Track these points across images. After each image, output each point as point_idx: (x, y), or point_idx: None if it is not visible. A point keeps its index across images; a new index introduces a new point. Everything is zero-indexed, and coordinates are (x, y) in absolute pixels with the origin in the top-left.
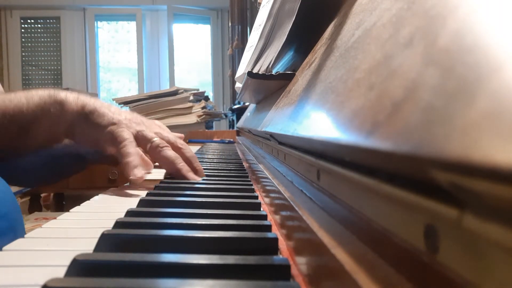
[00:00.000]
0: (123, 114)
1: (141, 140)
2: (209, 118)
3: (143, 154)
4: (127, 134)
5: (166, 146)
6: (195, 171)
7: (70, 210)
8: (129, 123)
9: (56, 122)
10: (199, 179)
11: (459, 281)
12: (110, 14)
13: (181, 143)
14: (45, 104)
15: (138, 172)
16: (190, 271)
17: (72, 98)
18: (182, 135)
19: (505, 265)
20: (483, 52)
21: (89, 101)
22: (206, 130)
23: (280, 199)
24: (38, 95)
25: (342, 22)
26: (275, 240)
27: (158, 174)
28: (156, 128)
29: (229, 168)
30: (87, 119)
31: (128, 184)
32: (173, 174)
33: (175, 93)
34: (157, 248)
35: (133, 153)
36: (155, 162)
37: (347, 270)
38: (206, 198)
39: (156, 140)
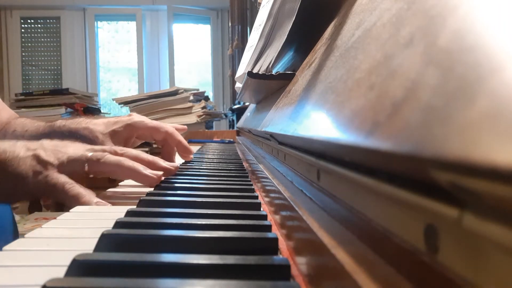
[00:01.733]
0: (35, 149)
1: (73, 165)
2: (209, 118)
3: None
4: (60, 178)
5: (103, 155)
6: (154, 167)
7: (70, 210)
8: (50, 158)
9: None
10: (160, 175)
11: (459, 281)
12: (110, 14)
13: (120, 148)
14: None
15: (99, 202)
16: (190, 271)
17: None
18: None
19: (505, 265)
20: (483, 52)
21: None
22: (206, 130)
23: (280, 199)
24: None
25: (342, 22)
26: (275, 240)
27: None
28: (79, 146)
29: (229, 168)
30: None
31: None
32: (130, 177)
33: (175, 93)
34: (157, 248)
35: (81, 192)
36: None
37: (347, 270)
38: (206, 198)
39: (89, 154)
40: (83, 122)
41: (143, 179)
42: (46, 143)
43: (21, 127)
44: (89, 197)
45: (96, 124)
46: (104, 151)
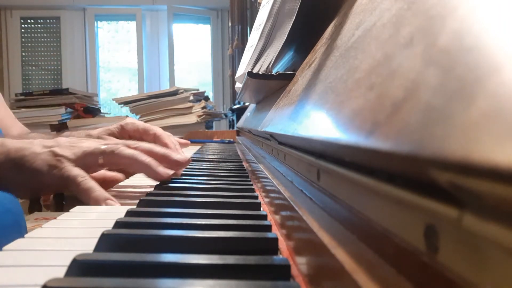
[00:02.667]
0: (52, 147)
1: (88, 159)
2: (209, 118)
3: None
4: (74, 170)
5: (117, 147)
6: (163, 161)
7: (70, 210)
8: (65, 153)
9: None
10: (170, 173)
11: (459, 281)
12: (110, 14)
13: (133, 142)
14: None
15: (111, 202)
16: (190, 271)
17: None
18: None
19: (505, 265)
20: (483, 52)
21: (13, 145)
22: (206, 130)
23: (280, 199)
24: None
25: (342, 22)
26: (275, 240)
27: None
28: (93, 140)
29: (229, 168)
30: (17, 168)
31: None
32: (143, 171)
33: (175, 93)
34: (157, 248)
35: (93, 186)
36: (117, 169)
37: (347, 270)
38: (206, 198)
39: (103, 147)
40: (83, 133)
41: (155, 176)
42: (62, 139)
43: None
44: (100, 193)
45: (94, 130)
46: (117, 144)
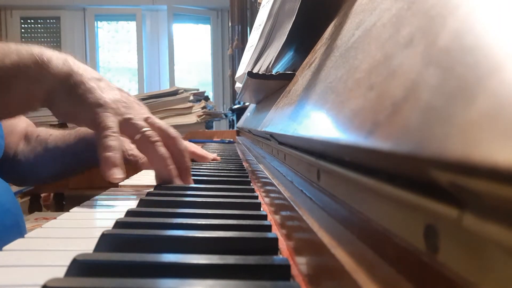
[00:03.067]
0: (111, 93)
1: (129, 128)
2: (209, 118)
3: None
4: (111, 122)
5: (158, 140)
6: (184, 171)
7: (70, 210)
8: (117, 107)
9: (33, 86)
10: (186, 184)
11: (459, 281)
12: (110, 14)
13: (173, 131)
14: (23, 63)
15: (116, 173)
16: (190, 271)
17: (56, 61)
18: (217, 157)
19: (505, 265)
20: (483, 52)
21: (77, 69)
22: (206, 130)
23: (280, 199)
24: (18, 51)
25: (342, 22)
26: (275, 240)
27: (150, 179)
28: (145, 112)
29: (229, 168)
30: (70, 92)
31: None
32: (161, 175)
33: (175, 93)
34: (157, 248)
35: (115, 147)
36: (141, 154)
37: (347, 270)
38: (206, 198)
39: (148, 131)
40: None
41: (164, 181)
42: (114, 91)
43: (45, 132)
44: (114, 158)
45: None
46: (160, 129)
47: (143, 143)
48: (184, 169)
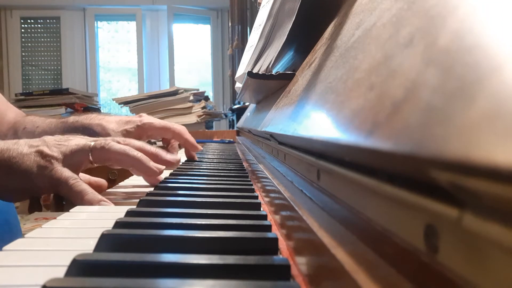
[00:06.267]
0: (38, 146)
1: (77, 156)
2: (209, 118)
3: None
4: (65, 172)
5: (107, 143)
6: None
7: (70, 210)
8: (54, 152)
9: None
10: (162, 169)
11: (459, 281)
12: (110, 14)
13: (123, 139)
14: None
15: (104, 203)
16: (190, 271)
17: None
18: (200, 148)
19: (505, 265)
20: (483, 52)
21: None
22: (206, 130)
23: (280, 199)
24: None
25: (342, 22)
26: (275, 240)
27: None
28: (80, 138)
29: (229, 168)
30: (5, 170)
31: (128, 184)
32: (134, 166)
33: (175, 93)
34: (157, 248)
35: (86, 188)
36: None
37: (347, 270)
38: (206, 198)
39: (92, 143)
40: (96, 118)
41: (146, 170)
42: (48, 138)
43: (32, 124)
44: (93, 195)
45: (108, 122)
46: (107, 140)
47: (98, 154)
48: (152, 156)
